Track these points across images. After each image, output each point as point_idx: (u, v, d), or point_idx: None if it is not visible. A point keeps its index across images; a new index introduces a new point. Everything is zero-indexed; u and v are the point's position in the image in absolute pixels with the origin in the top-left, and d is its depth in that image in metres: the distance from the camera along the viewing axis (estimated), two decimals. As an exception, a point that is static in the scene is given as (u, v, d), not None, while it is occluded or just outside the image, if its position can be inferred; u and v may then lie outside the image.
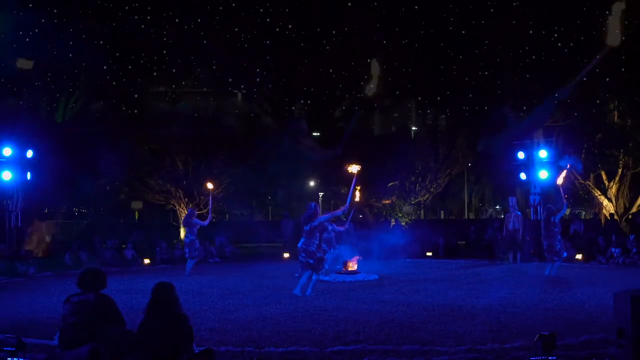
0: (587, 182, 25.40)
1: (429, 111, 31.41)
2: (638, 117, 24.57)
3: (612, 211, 25.04)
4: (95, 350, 6.05)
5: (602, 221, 24.69)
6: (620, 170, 24.94)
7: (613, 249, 19.47)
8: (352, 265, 15.71)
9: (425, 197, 27.80)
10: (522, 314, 9.75)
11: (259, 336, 8.22)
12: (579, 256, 19.66)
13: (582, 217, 37.53)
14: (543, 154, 21.95)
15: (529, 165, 22.41)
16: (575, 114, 25.14)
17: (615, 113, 25.47)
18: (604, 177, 25.40)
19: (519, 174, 23.02)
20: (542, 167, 21.79)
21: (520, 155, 22.78)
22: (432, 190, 27.61)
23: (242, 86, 28.52)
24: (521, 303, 10.88)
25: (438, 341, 7.80)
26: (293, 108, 30.78)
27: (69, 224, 34.32)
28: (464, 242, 23.92)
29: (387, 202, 26.81)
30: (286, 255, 21.92)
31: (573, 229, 22.94)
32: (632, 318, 5.92)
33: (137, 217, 37.01)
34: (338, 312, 10.13)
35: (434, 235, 23.67)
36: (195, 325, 5.97)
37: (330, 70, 26.75)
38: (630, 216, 24.69)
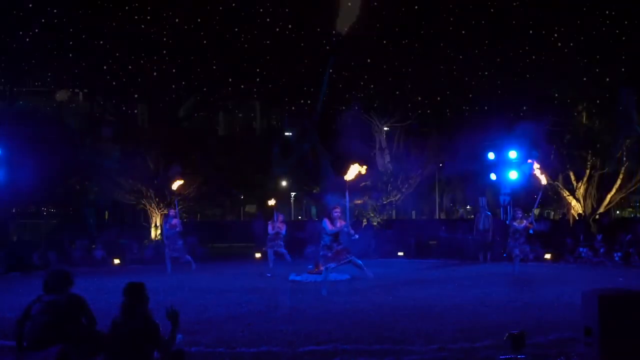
0: (556, 182, 25.71)
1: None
2: (606, 118, 24.94)
3: (580, 211, 25.38)
4: (63, 352, 5.97)
5: (571, 221, 25.02)
6: (588, 171, 25.29)
7: (581, 249, 19.77)
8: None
9: (397, 197, 27.90)
10: (492, 313, 9.84)
11: (231, 337, 8.19)
12: (547, 256, 19.89)
13: (551, 217, 37.97)
14: (513, 154, 22.18)
15: (499, 165, 22.63)
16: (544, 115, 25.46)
17: (584, 114, 25.82)
18: (572, 177, 25.73)
19: (489, 174, 23.24)
20: (512, 168, 22.01)
21: (490, 155, 23.00)
22: (403, 190, 27.73)
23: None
24: (491, 302, 10.99)
25: (409, 340, 7.84)
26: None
27: (38, 223, 33.84)
28: (434, 242, 24.05)
29: (359, 202, 26.86)
30: (258, 255, 21.83)
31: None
32: (600, 317, 6.01)
33: (107, 217, 36.61)
34: (309, 312, 10.13)
35: (406, 235, 23.77)
36: (167, 326, 5.93)
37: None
38: (597, 216, 25.05)
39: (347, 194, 12.53)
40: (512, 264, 15.64)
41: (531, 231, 15.86)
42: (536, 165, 15.74)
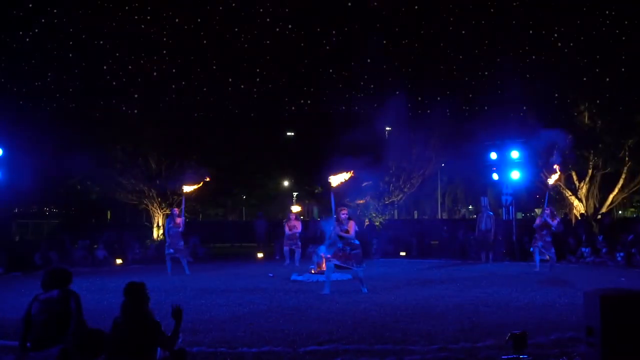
0: (558, 182, 25.66)
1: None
2: (608, 118, 24.90)
3: (583, 211, 25.35)
4: (64, 352, 5.97)
5: (573, 221, 24.98)
6: (590, 171, 25.26)
7: (583, 249, 19.75)
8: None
9: (399, 197, 27.88)
10: (494, 313, 9.82)
11: (232, 337, 8.17)
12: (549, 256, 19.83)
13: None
14: (515, 154, 22.15)
15: (501, 165, 22.60)
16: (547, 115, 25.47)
17: (586, 114, 25.78)
18: (574, 177, 25.69)
19: (491, 174, 23.21)
20: (514, 168, 21.99)
21: (493, 155, 22.97)
22: (405, 190, 27.71)
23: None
24: (493, 302, 10.97)
25: (410, 340, 7.83)
26: None
27: (40, 223, 33.86)
28: (436, 242, 24.03)
29: (361, 202, 26.84)
30: (260, 255, 21.84)
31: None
32: (602, 317, 6.00)
33: (109, 217, 36.63)
34: (311, 312, 10.11)
35: (408, 235, 23.76)
36: (168, 326, 5.93)
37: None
38: (599, 216, 25.00)
39: (332, 198, 12.63)
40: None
41: (553, 228, 16.45)
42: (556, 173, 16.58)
